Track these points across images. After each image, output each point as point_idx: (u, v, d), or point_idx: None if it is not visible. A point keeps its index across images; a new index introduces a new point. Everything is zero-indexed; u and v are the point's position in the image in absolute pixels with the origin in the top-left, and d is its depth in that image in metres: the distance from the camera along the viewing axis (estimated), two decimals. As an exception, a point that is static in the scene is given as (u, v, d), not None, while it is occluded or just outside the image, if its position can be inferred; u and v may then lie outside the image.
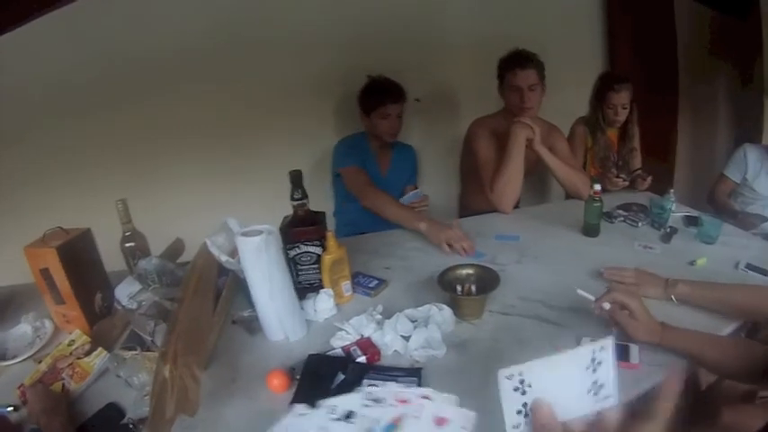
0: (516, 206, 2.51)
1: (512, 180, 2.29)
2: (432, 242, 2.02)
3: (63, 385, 1.34)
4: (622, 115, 2.64)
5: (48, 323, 1.64)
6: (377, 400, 0.58)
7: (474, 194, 2.64)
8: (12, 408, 1.29)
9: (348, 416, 0.56)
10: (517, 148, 2.25)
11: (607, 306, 1.30)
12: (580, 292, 1.39)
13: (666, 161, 3.54)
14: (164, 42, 2.58)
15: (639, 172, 2.48)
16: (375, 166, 2.62)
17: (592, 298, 1.35)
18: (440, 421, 0.56)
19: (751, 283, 1.47)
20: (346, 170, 2.48)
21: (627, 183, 2.43)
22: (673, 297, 1.48)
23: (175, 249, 1.82)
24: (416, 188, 2.70)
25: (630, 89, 2.60)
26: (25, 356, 1.51)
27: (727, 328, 1.39)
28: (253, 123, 2.90)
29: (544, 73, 2.34)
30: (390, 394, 0.58)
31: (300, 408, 0.58)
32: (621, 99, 2.60)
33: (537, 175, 2.72)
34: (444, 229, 2.00)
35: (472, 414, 0.58)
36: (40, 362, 1.40)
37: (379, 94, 2.45)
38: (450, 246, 1.95)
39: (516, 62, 2.30)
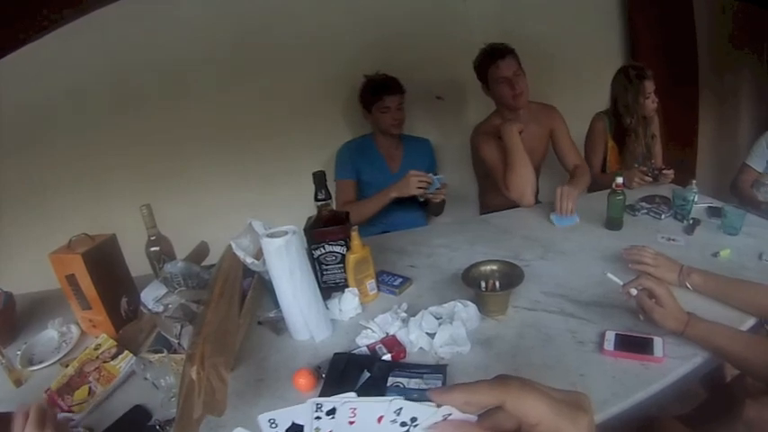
0: (537, 201, 2.50)
1: (523, 174, 2.30)
2: (408, 195, 2.22)
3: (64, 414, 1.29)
4: (653, 103, 2.60)
5: (74, 328, 1.67)
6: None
7: (492, 193, 2.64)
8: None
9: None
10: (515, 144, 2.29)
11: (634, 292, 1.31)
12: (609, 275, 1.41)
13: (688, 152, 3.49)
14: (182, 48, 2.61)
15: (663, 169, 2.42)
16: (383, 164, 2.67)
17: (620, 282, 1.36)
18: None
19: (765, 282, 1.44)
20: (338, 183, 2.59)
21: (651, 179, 2.39)
22: (688, 284, 1.47)
23: (200, 252, 1.83)
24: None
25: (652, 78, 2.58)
26: (52, 361, 1.53)
27: (750, 321, 1.36)
28: (274, 126, 2.92)
29: (519, 59, 2.36)
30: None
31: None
32: (651, 87, 2.56)
33: (560, 168, 2.68)
34: (407, 182, 2.19)
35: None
36: (66, 366, 1.42)
37: (376, 89, 2.51)
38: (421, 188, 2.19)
39: (495, 55, 2.33)
